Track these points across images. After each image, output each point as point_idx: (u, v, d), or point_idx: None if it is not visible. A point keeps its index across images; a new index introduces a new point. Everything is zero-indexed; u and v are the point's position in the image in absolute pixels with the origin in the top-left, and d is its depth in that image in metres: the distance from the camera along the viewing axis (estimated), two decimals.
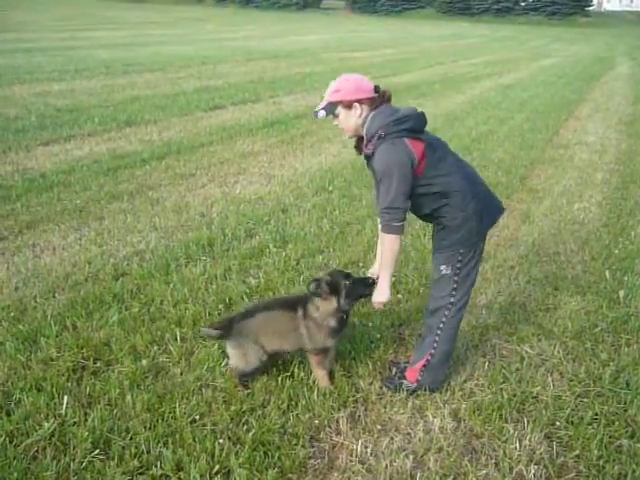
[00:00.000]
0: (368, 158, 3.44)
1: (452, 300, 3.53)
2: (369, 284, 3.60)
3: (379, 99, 3.40)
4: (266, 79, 17.02)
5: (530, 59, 27.77)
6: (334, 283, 3.56)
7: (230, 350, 3.70)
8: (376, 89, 3.41)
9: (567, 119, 13.14)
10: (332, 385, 3.72)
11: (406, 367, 3.81)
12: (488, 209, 3.53)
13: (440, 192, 3.37)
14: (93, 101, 12.67)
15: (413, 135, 3.31)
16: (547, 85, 18.40)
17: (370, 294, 3.58)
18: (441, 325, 3.58)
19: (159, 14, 57.46)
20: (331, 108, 3.40)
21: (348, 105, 3.37)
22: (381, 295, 3.50)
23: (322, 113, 3.42)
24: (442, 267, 3.49)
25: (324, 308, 3.58)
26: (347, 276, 3.63)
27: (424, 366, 3.66)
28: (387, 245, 3.40)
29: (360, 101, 3.36)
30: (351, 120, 3.41)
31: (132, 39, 29.03)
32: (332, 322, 3.60)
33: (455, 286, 3.50)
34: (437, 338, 3.60)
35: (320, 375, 3.72)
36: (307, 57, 23.85)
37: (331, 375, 3.81)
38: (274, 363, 3.89)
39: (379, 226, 3.52)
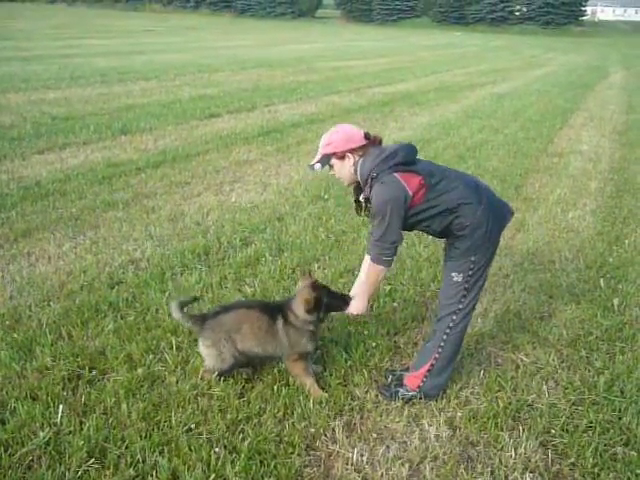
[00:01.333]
0: (368, 201, 3.53)
1: (460, 306, 3.56)
2: (345, 300, 3.77)
3: (370, 145, 3.53)
4: (261, 88, 17.06)
5: (524, 68, 27.95)
6: (319, 301, 3.66)
7: (204, 350, 3.75)
8: (366, 136, 3.54)
9: (561, 128, 13.21)
10: (326, 394, 3.72)
11: (402, 375, 3.82)
12: (497, 213, 3.56)
13: (446, 209, 3.42)
14: (88, 109, 12.68)
15: (404, 168, 3.39)
16: (541, 94, 18.50)
17: (344, 309, 3.77)
18: (447, 330, 3.60)
19: (154, 22, 57.57)
20: (325, 160, 3.56)
21: (341, 156, 3.51)
22: (356, 309, 3.69)
23: (318, 166, 3.58)
24: (453, 274, 3.53)
25: (304, 317, 3.68)
26: (328, 293, 3.77)
27: (428, 371, 3.67)
28: (373, 272, 3.57)
29: (352, 151, 3.50)
30: (345, 170, 3.57)
31: (127, 47, 29.06)
32: (311, 327, 3.72)
33: (464, 293, 3.54)
34: (442, 343, 3.63)
35: (309, 383, 3.73)
36: (302, 66, 23.91)
37: (324, 384, 3.82)
38: (269, 371, 3.90)
39: (367, 254, 3.66)
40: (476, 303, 3.69)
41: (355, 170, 3.52)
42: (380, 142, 3.58)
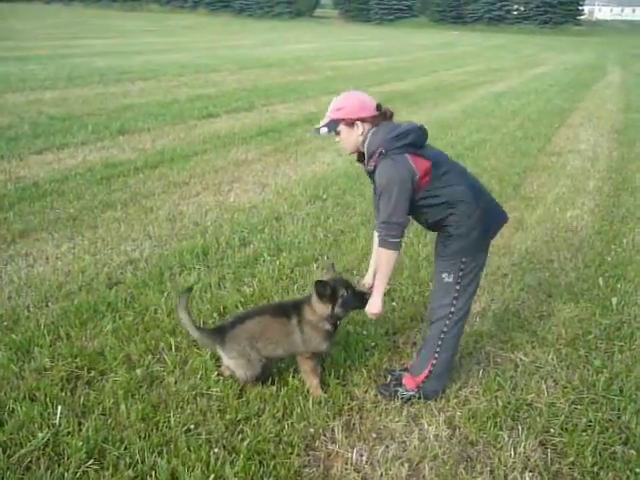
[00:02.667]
0: (370, 174, 3.46)
1: (452, 310, 3.52)
2: (365, 299, 3.61)
3: (381, 117, 3.43)
4: (260, 87, 17.05)
5: (522, 67, 27.97)
6: (335, 290, 3.59)
7: (231, 362, 3.69)
8: (378, 107, 3.44)
9: (559, 127, 13.22)
10: (325, 394, 3.72)
11: (401, 375, 3.81)
12: (492, 219, 3.54)
13: (446, 202, 3.37)
14: (86, 109, 12.65)
15: (414, 150, 3.32)
16: (539, 93, 18.51)
17: (363, 308, 3.61)
18: (442, 335, 3.57)
19: (152, 22, 57.51)
20: (333, 125, 3.43)
21: (350, 123, 3.40)
22: (374, 307, 3.51)
23: (324, 130, 3.44)
24: (444, 275, 3.49)
25: (320, 311, 3.62)
26: (347, 286, 3.66)
27: (427, 377, 3.66)
28: (384, 260, 3.40)
29: (362, 119, 3.39)
30: (352, 138, 3.44)
31: (125, 47, 29.04)
32: (327, 325, 3.65)
33: (456, 295, 3.49)
34: (438, 349, 3.60)
35: (314, 384, 3.72)
36: (300, 66, 23.91)
37: (323, 383, 3.82)
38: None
39: (375, 239, 3.54)
40: (468, 310, 3.65)
41: (363, 141, 3.42)
42: (391, 116, 3.47)
